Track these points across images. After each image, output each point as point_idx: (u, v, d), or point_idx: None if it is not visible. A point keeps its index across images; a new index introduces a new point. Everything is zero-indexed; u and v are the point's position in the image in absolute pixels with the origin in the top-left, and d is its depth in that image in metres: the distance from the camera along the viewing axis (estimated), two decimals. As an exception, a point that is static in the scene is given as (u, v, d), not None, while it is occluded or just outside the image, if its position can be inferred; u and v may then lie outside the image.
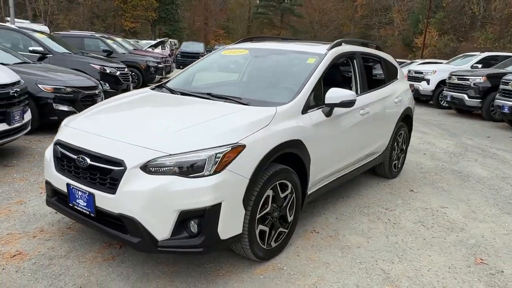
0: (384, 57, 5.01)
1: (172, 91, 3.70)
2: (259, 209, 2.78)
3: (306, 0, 52.69)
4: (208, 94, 3.44)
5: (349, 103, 3.39)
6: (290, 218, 3.15)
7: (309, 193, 3.42)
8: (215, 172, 2.48)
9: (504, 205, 4.59)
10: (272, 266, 2.98)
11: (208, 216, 2.45)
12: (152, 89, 3.87)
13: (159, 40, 22.52)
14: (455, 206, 4.46)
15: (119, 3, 44.81)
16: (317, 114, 3.34)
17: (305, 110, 3.24)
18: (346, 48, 4.10)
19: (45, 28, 15.76)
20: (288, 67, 3.86)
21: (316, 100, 3.40)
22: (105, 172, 2.55)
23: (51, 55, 8.15)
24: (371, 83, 4.56)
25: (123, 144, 2.59)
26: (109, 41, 13.52)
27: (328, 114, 3.43)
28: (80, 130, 2.91)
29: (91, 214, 2.64)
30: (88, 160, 2.61)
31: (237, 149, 2.59)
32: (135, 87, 12.72)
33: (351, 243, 3.44)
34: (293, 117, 3.11)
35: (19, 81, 4.90)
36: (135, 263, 2.92)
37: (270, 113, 2.97)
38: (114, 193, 2.49)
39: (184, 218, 2.45)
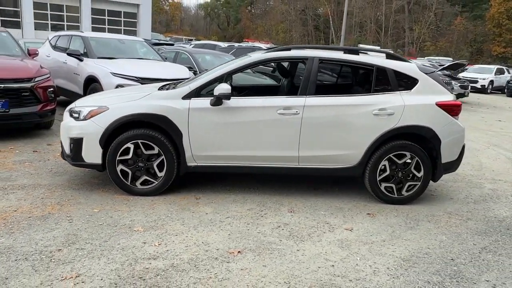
0: (381, 65, 4.48)
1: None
2: (118, 154, 4.20)
3: None
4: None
5: (225, 96, 4.09)
6: (159, 174, 4.28)
7: (191, 165, 4.32)
8: (84, 120, 4.21)
9: None
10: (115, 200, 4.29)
11: (76, 144, 4.22)
12: None
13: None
14: None
15: (491, 27, 43.03)
16: (201, 102, 4.22)
17: (188, 97, 4.23)
18: (282, 53, 4.42)
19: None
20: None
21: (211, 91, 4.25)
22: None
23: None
24: (340, 88, 4.44)
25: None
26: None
27: (214, 103, 4.19)
28: None
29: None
30: None
31: (102, 109, 4.19)
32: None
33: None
34: (169, 99, 4.23)
35: None
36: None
37: (148, 93, 4.29)
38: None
39: (71, 142, 4.31)
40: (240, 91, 5.11)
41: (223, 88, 4.09)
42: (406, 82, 4.49)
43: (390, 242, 3.58)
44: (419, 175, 4.45)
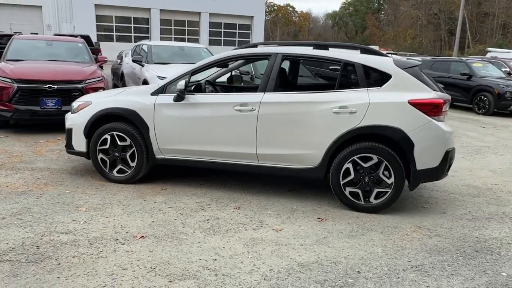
0: (349, 60, 4.11)
1: None
2: (98, 144, 4.71)
3: None
4: None
5: (181, 92, 4.31)
6: (131, 164, 4.66)
7: (159, 157, 4.61)
8: (73, 113, 4.84)
9: None
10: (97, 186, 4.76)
11: (68, 133, 4.87)
12: None
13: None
14: None
15: None
16: (165, 98, 4.48)
17: (155, 93, 4.54)
18: (247, 50, 4.40)
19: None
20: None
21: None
22: None
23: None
24: (304, 85, 4.26)
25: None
26: (477, 65, 13.47)
27: (176, 99, 4.42)
28: None
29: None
30: None
31: (86, 103, 4.77)
32: (485, 113, 12.22)
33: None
34: (139, 95, 4.60)
35: None
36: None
37: (123, 90, 4.72)
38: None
39: (66, 132, 4.97)
40: (215, 87, 5.17)
41: (180, 84, 4.29)
42: (377, 78, 4.09)
43: (308, 247, 3.34)
44: (389, 181, 4.00)
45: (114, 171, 4.72)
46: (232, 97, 4.38)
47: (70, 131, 4.82)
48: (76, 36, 17.60)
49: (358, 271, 3.00)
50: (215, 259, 3.07)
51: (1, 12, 29.35)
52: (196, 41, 30.14)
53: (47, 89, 6.82)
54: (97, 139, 4.66)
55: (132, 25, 28.85)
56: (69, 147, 4.88)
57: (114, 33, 28.49)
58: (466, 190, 5.06)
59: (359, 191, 4.10)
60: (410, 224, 3.91)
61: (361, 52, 4.30)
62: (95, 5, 27.25)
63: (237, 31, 32.22)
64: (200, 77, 5.52)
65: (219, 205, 4.18)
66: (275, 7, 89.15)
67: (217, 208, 4.10)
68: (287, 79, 4.89)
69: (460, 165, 6.25)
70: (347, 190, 4.12)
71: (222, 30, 31.77)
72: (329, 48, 4.37)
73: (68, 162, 5.48)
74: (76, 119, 4.76)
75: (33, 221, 3.60)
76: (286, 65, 5.08)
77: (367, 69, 4.11)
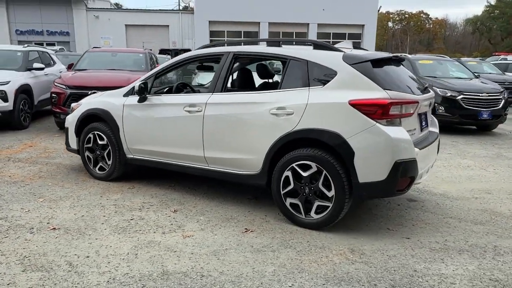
0: (296, 57, 3.67)
1: None
2: (84, 142, 5.08)
3: None
4: None
5: (137, 93, 4.43)
6: (108, 162, 4.90)
7: (129, 157, 4.75)
8: (70, 113, 5.31)
9: None
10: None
11: (66, 132, 5.35)
12: None
13: None
14: None
15: None
16: (132, 99, 4.62)
17: (126, 95, 4.72)
18: (202, 51, 4.27)
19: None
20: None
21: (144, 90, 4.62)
22: None
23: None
24: (252, 85, 3.99)
25: None
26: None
27: (139, 100, 4.53)
28: None
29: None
30: None
31: (78, 105, 5.19)
32: None
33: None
34: (114, 96, 4.82)
35: None
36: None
37: (109, 92, 5.01)
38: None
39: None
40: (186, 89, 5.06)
41: (136, 86, 4.39)
42: (322, 76, 3.60)
43: (195, 257, 3.08)
44: (329, 194, 3.47)
45: (96, 168, 5.01)
46: (184, 98, 4.30)
47: (67, 130, 5.27)
48: (178, 50, 19.25)
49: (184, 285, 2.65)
50: (88, 256, 3.04)
51: (135, 32, 33.61)
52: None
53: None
54: (84, 137, 5.02)
55: (242, 39, 30.27)
56: (67, 145, 5.34)
57: (225, 47, 30.29)
58: (472, 216, 4.09)
59: (299, 203, 3.63)
60: (344, 246, 3.32)
61: (314, 48, 3.83)
62: (209, 21, 29.37)
63: (346, 40, 31.32)
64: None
65: (161, 206, 4.12)
66: (406, 15, 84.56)
67: (156, 209, 4.05)
68: (238, 78, 4.59)
69: (480, 185, 5.12)
70: (288, 201, 3.69)
71: (331, 40, 31.25)
72: (282, 45, 4.00)
73: (79, 158, 5.97)
74: (70, 119, 5.19)
75: (-10, 206, 4.03)
76: (244, 65, 4.81)
77: (312, 66, 3.64)
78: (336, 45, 4.28)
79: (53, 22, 33.06)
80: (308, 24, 30.18)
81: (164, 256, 3.08)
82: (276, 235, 3.49)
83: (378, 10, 32.13)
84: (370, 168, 3.30)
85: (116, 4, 65.02)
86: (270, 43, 4.05)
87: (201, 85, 5.51)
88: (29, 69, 8.72)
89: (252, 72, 4.78)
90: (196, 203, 4.24)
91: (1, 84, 7.70)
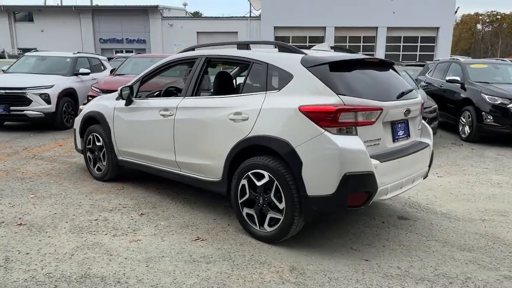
0: (258, 59, 3.48)
1: None
2: (86, 143, 5.31)
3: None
4: None
5: (121, 97, 4.54)
6: (103, 163, 5.07)
7: (119, 158, 4.88)
8: (78, 115, 5.60)
9: None
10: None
11: (74, 133, 5.64)
12: None
13: None
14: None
15: None
16: (122, 102, 4.74)
17: (118, 98, 4.85)
18: (180, 55, 4.24)
19: None
20: None
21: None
22: None
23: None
24: (221, 89, 3.88)
25: None
26: None
27: (125, 104, 4.64)
28: None
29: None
30: None
31: (83, 107, 5.46)
32: None
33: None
34: (108, 100, 4.98)
35: None
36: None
37: (108, 95, 5.19)
38: None
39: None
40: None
41: (119, 89, 4.49)
42: (280, 79, 3.38)
43: (126, 261, 3.04)
44: (280, 206, 3.24)
45: (95, 169, 5.21)
46: (161, 102, 4.29)
47: (74, 131, 5.55)
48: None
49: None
50: (28, 253, 3.13)
51: (205, 38, 34.78)
52: (371, 57, 29.07)
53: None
54: (85, 138, 5.25)
55: (307, 44, 29.92)
56: (75, 145, 5.62)
57: (290, 52, 30.11)
58: (464, 241, 3.57)
59: (254, 213, 3.44)
60: (288, 263, 3.07)
61: (279, 50, 3.62)
62: (275, 27, 29.48)
63: (418, 44, 29.62)
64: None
65: (133, 209, 4.15)
66: (498, 16, 77.95)
67: (126, 211, 4.09)
68: (209, 82, 4.45)
69: (498, 206, 4.45)
70: (245, 211, 3.51)
71: (401, 44, 29.73)
72: (251, 47, 3.83)
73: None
74: (76, 121, 5.46)
75: (-16, 199, 4.35)
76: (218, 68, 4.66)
77: (272, 69, 3.44)
78: (313, 48, 4.03)
79: (132, 31, 35.43)
80: (376, 28, 29.01)
81: (97, 259, 3.08)
82: (224, 246, 3.33)
83: (456, 12, 29.93)
84: (318, 181, 3.02)
85: (196, 13, 68.12)
86: (240, 46, 3.91)
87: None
88: (76, 74, 9.37)
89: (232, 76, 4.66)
90: (169, 207, 4.21)
91: (45, 88, 8.36)
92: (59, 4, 40.92)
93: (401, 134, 3.48)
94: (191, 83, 4.02)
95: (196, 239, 3.46)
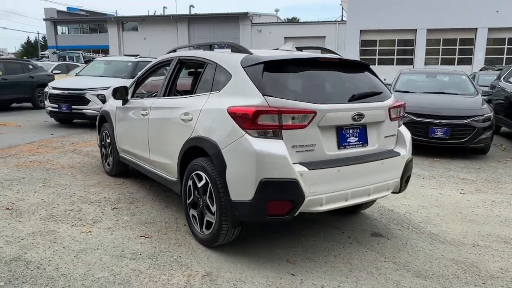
0: (209, 60, 3.44)
1: None
2: (101, 139, 5.72)
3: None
4: None
5: (114, 95, 4.83)
6: (111, 159, 5.43)
7: (120, 155, 5.17)
8: (100, 114, 6.05)
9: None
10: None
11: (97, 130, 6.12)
12: None
13: None
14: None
15: None
16: (120, 101, 5.03)
17: (114, 98, 5.14)
18: (165, 56, 4.34)
19: None
20: None
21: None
22: None
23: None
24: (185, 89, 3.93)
25: None
26: None
27: (122, 103, 4.90)
28: None
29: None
30: None
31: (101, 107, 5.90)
32: None
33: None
34: (114, 99, 5.30)
35: None
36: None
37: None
38: None
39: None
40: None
41: (112, 89, 4.77)
42: (221, 80, 3.31)
43: (61, 250, 3.21)
44: (213, 209, 3.17)
45: (106, 163, 5.59)
46: (142, 102, 4.45)
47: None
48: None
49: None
50: (-12, 237, 3.48)
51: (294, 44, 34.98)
52: (469, 61, 26.61)
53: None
54: (100, 135, 5.66)
55: (396, 48, 28.39)
56: (97, 141, 6.08)
57: (377, 57, 28.81)
58: (431, 267, 3.11)
59: (196, 215, 3.41)
60: (207, 268, 2.97)
61: (231, 51, 3.52)
62: (361, 30, 28.47)
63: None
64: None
65: (112, 202, 4.36)
66: None
67: (104, 205, 4.30)
68: (178, 83, 4.40)
69: (504, 231, 3.76)
70: (191, 212, 3.50)
71: (505, 46, 26.64)
72: (214, 48, 3.79)
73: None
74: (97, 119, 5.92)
75: (4, 186, 4.92)
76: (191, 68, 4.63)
77: (219, 69, 3.38)
78: (280, 48, 3.86)
79: (223, 37, 37.04)
80: (476, 29, 26.41)
81: (40, 245, 3.30)
82: (161, 245, 3.35)
83: None
84: (239, 185, 2.89)
85: (293, 19, 68.59)
86: (204, 47, 3.89)
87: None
88: (134, 77, 10.07)
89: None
90: (145, 204, 4.35)
91: (102, 89, 9.16)
92: (162, 14, 44.43)
93: (352, 140, 3.15)
94: (164, 84, 4.11)
95: (141, 236, 3.52)
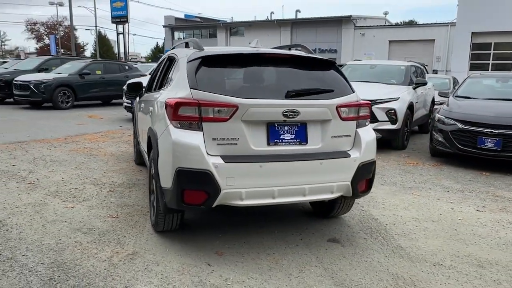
0: (175, 56, 3.63)
1: None
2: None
3: None
4: None
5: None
6: (135, 148, 5.97)
7: (138, 147, 5.65)
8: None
9: None
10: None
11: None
12: None
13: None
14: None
15: None
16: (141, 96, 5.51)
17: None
18: (167, 54, 4.66)
19: None
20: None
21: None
22: None
23: None
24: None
25: None
26: None
27: (139, 97, 5.38)
28: None
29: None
30: None
31: (137, 101, 6.51)
32: None
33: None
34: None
35: None
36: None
37: None
38: None
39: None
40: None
41: (126, 84, 5.26)
42: (176, 74, 3.50)
43: (33, 219, 3.71)
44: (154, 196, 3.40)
45: (134, 153, 6.15)
46: (145, 96, 4.82)
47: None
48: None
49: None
50: (-5, 198, 4.16)
51: (398, 47, 33.22)
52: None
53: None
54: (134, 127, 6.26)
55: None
56: (136, 133, 6.70)
57: (490, 61, 25.83)
58: (364, 279, 2.91)
59: (150, 200, 3.65)
60: (140, 249, 3.18)
61: (185, 46, 3.72)
62: (472, 33, 25.83)
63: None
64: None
65: (113, 186, 4.82)
66: None
67: (105, 187, 4.78)
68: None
69: (492, 255, 3.21)
70: (151, 197, 3.75)
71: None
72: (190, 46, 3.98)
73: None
74: (135, 112, 6.53)
75: (46, 165, 5.76)
76: None
77: (175, 64, 3.58)
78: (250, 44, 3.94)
79: (325, 41, 36.78)
80: None
81: (24, 213, 3.84)
82: (118, 225, 3.65)
83: None
84: (164, 173, 3.05)
85: (411, 21, 65.02)
86: (186, 44, 4.11)
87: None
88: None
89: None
90: (140, 189, 4.72)
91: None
92: (268, 18, 45.70)
93: (287, 138, 3.08)
94: (155, 79, 4.42)
95: (110, 216, 3.87)
